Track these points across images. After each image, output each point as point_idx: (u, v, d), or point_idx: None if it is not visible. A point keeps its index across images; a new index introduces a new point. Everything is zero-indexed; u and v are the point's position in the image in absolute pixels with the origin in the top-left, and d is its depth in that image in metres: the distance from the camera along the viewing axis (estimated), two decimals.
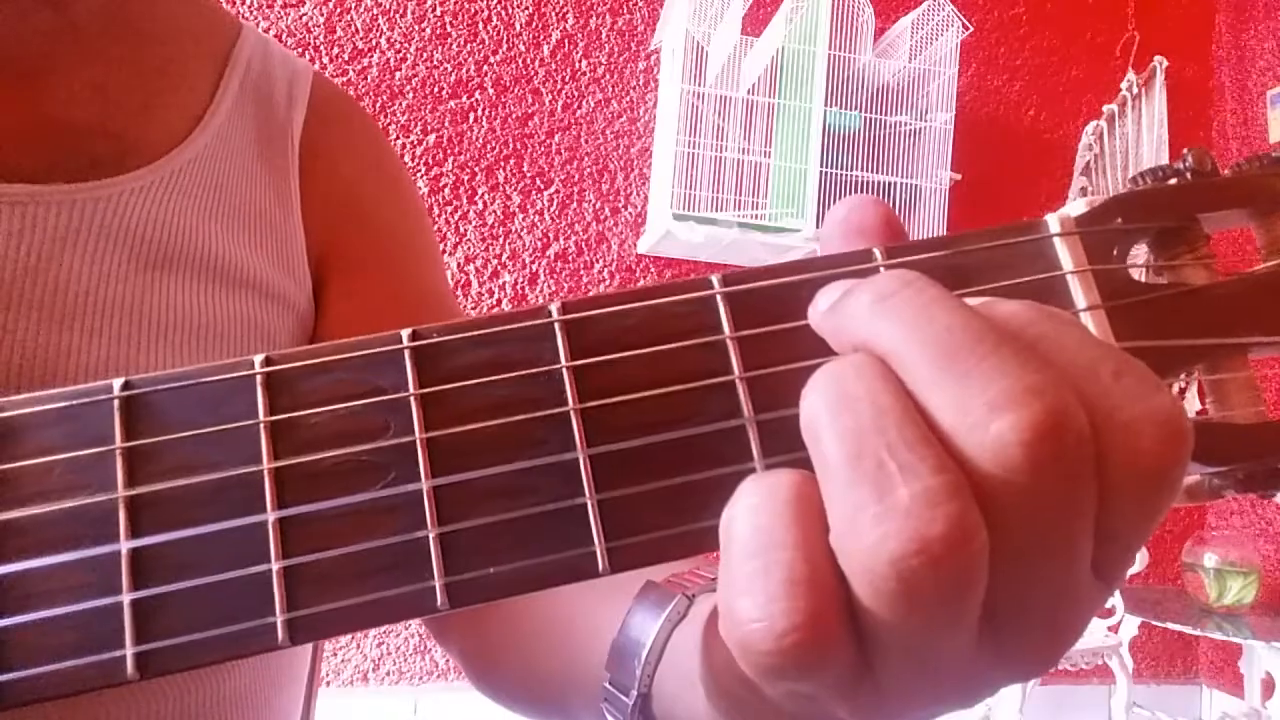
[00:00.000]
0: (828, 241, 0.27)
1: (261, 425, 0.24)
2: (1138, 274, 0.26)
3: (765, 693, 0.23)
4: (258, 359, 0.24)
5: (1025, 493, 0.20)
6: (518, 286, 2.51)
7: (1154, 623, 2.40)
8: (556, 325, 0.25)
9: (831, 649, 0.21)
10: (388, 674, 2.36)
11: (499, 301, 2.50)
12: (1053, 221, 0.26)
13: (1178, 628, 2.34)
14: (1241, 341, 0.25)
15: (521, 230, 2.53)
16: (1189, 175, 0.26)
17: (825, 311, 0.24)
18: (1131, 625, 2.42)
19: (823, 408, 0.21)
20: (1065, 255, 0.26)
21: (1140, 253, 0.26)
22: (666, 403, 0.24)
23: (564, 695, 0.43)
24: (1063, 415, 0.20)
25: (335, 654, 2.34)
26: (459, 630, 0.56)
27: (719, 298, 0.25)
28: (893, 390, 0.21)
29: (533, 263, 2.53)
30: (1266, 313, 0.25)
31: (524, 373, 0.25)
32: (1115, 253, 0.26)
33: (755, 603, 0.20)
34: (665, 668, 0.33)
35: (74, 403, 0.24)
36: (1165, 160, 2.77)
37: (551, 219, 2.55)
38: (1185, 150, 0.26)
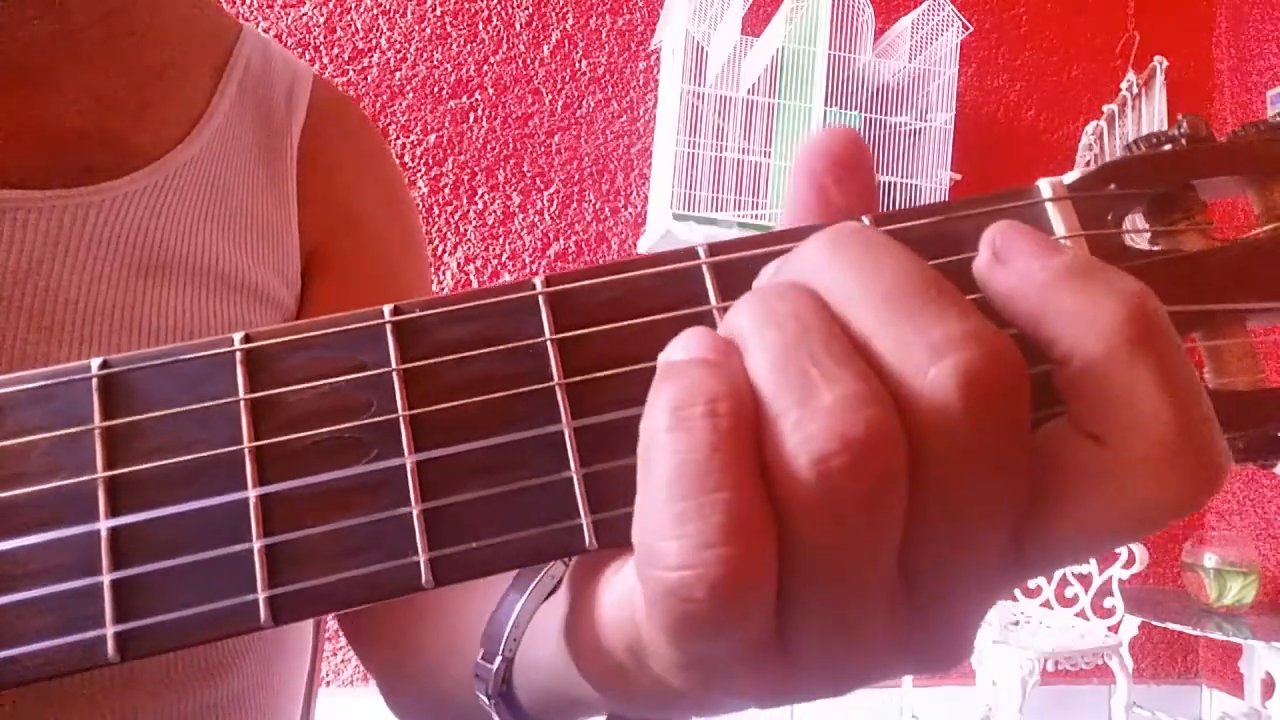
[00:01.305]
0: (801, 182, 0.27)
1: (242, 403, 0.24)
2: (1134, 241, 0.25)
3: (658, 657, 0.22)
4: (237, 336, 0.24)
5: (957, 438, 0.19)
6: None
7: (1154, 623, 2.40)
8: (540, 298, 0.24)
9: (763, 593, 0.20)
10: None
11: None
12: (1045, 187, 0.26)
13: (1178, 628, 2.34)
14: (1239, 308, 0.24)
15: (521, 230, 2.53)
16: (1184, 141, 0.26)
17: (775, 271, 0.24)
18: (1131, 625, 2.41)
19: (748, 325, 0.21)
20: (1058, 220, 0.25)
21: (1136, 220, 0.26)
22: (652, 375, 0.24)
23: (454, 701, 0.43)
24: (1003, 362, 0.19)
25: (335, 654, 2.34)
26: (375, 647, 0.55)
27: (705, 268, 0.25)
28: (817, 310, 0.21)
29: (533, 263, 2.53)
30: (1264, 278, 0.25)
31: (507, 346, 0.24)
32: (1109, 218, 0.25)
33: (687, 547, 0.19)
34: (531, 634, 0.33)
35: (52, 382, 0.24)
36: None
37: (551, 219, 2.55)
38: (1180, 116, 0.26)
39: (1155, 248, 0.26)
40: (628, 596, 0.23)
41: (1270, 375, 0.24)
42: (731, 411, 0.20)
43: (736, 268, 0.25)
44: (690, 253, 0.25)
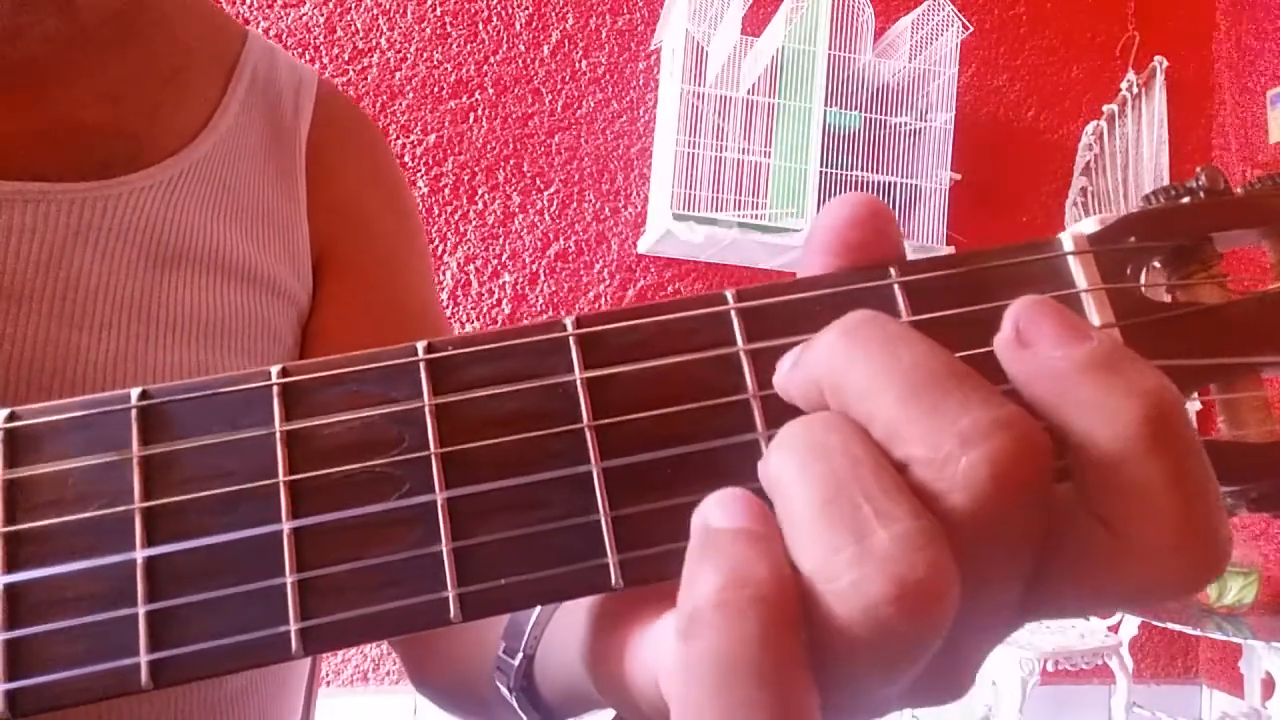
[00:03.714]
0: (819, 246, 0.26)
1: (278, 436, 0.24)
2: (1151, 292, 0.26)
3: None
4: (274, 370, 0.24)
5: (987, 522, 0.20)
6: (518, 286, 2.51)
7: (1154, 623, 2.41)
8: (571, 339, 0.25)
9: None
10: (388, 674, 2.36)
11: (499, 301, 2.50)
12: (1066, 240, 0.26)
13: (1178, 628, 2.35)
14: (1254, 361, 0.25)
15: (521, 230, 2.53)
16: (1202, 194, 0.26)
17: (791, 366, 0.24)
18: (1131, 625, 2.42)
19: (793, 460, 0.21)
20: (1079, 273, 0.26)
21: (1154, 272, 0.26)
22: (680, 418, 0.24)
23: (477, 685, 0.43)
24: (1031, 447, 0.20)
25: (335, 654, 2.34)
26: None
27: (733, 313, 0.25)
28: (865, 440, 0.21)
29: (533, 263, 2.53)
30: (1278, 332, 0.25)
31: (537, 385, 0.25)
32: (1129, 271, 0.26)
33: None
34: (550, 632, 0.33)
35: (92, 412, 0.24)
36: (1165, 161, 2.77)
37: (551, 219, 2.55)
38: (1198, 169, 0.26)
39: (1171, 299, 0.26)
40: (663, 675, 0.23)
41: None
42: (777, 597, 0.20)
43: (765, 314, 0.25)
44: (719, 298, 0.25)
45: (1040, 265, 0.26)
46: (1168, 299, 0.26)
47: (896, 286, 0.25)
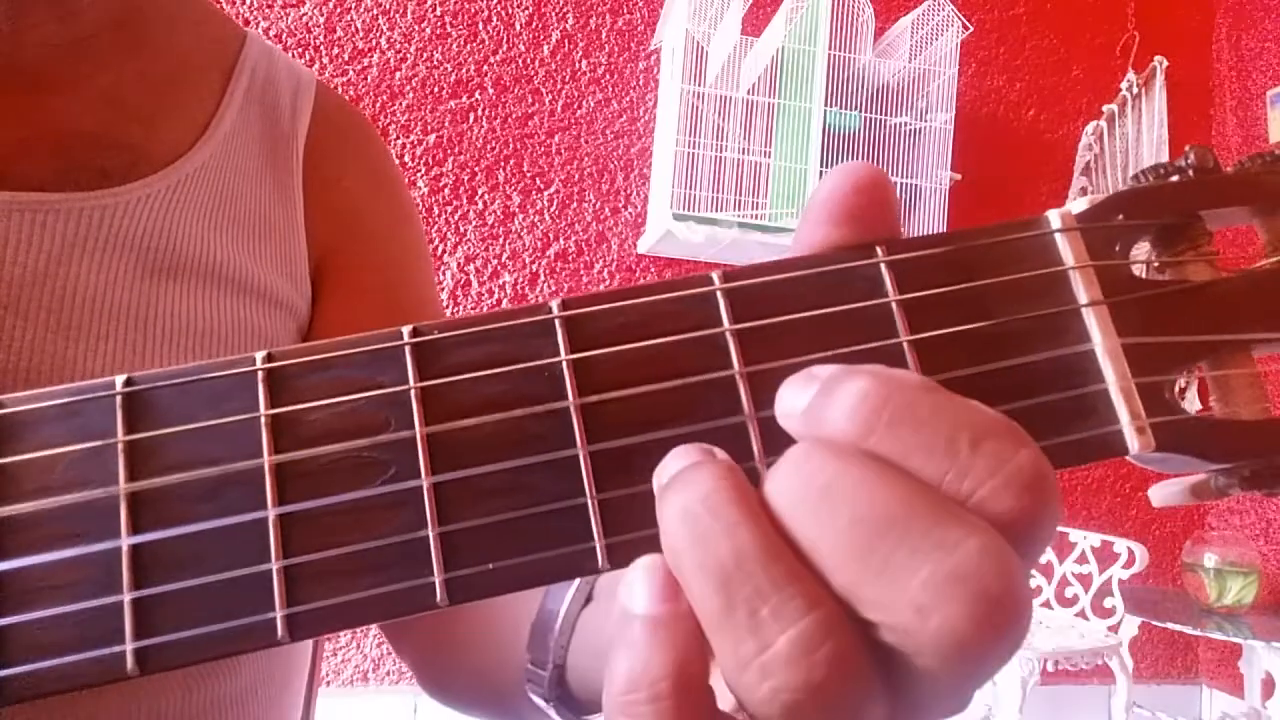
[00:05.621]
0: (819, 215, 0.26)
1: (262, 420, 0.24)
2: (1140, 270, 0.26)
3: None
4: (259, 355, 0.24)
5: (963, 662, 0.19)
6: (518, 286, 2.51)
7: (1154, 623, 2.41)
8: (557, 321, 0.25)
9: None
10: (388, 674, 2.36)
11: (499, 301, 2.50)
12: (1054, 217, 0.26)
13: (1178, 628, 2.35)
14: (1244, 338, 0.25)
15: (521, 230, 2.53)
16: (1191, 172, 0.26)
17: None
18: (1131, 625, 2.42)
19: (681, 545, 0.21)
20: (1067, 251, 0.25)
21: (1143, 250, 0.26)
22: (667, 399, 0.24)
23: (502, 692, 0.44)
24: (996, 594, 0.18)
25: (335, 654, 2.34)
26: (410, 640, 0.56)
27: (719, 294, 0.25)
28: (750, 522, 0.20)
29: (533, 263, 2.53)
30: (1270, 309, 0.25)
31: (524, 367, 0.25)
32: (1117, 249, 0.26)
33: None
34: (577, 641, 0.34)
35: (77, 399, 0.24)
36: (1165, 160, 2.77)
37: (551, 219, 2.55)
38: (1187, 147, 0.26)
39: (1163, 277, 0.26)
40: None
41: (1275, 405, 0.25)
42: (676, 691, 0.20)
43: (751, 294, 0.25)
44: (705, 279, 0.25)
45: (1027, 242, 0.26)
46: (1157, 277, 0.26)
47: (883, 266, 0.25)
